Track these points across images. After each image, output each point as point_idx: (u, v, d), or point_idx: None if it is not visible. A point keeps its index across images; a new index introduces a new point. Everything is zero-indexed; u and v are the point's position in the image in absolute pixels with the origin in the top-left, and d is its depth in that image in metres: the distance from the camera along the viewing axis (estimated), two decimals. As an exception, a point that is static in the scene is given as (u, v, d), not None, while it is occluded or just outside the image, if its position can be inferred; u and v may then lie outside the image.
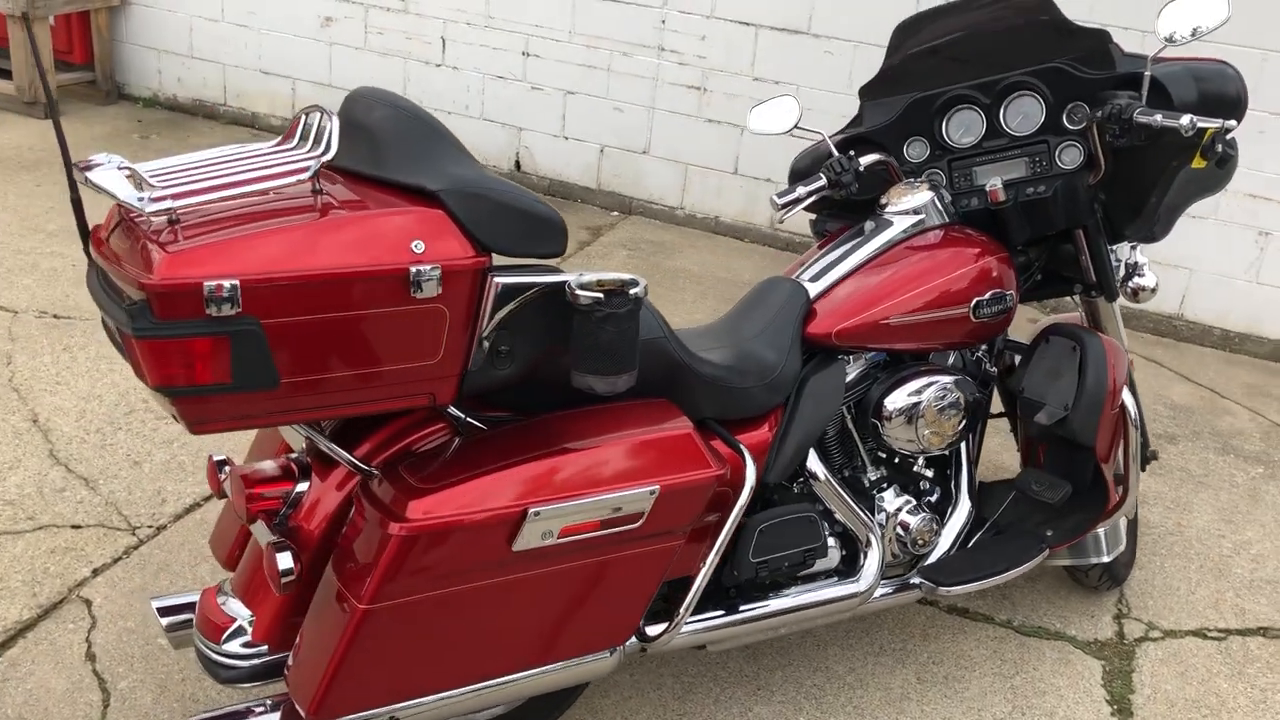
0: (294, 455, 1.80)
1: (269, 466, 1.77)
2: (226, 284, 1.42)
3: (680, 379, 1.89)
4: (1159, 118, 2.05)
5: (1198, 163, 2.10)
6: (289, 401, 1.50)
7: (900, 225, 2.27)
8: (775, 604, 2.07)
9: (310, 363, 1.49)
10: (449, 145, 1.64)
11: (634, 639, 1.89)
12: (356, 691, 1.59)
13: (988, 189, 2.33)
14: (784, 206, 2.31)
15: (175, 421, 1.57)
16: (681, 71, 4.77)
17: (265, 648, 1.73)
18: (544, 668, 1.76)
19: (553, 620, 1.73)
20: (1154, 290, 2.45)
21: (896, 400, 2.15)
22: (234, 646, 1.74)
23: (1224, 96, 2.19)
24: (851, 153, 2.36)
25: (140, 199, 1.46)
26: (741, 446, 1.94)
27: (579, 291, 1.60)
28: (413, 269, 1.51)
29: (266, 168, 1.53)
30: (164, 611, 1.93)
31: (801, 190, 2.31)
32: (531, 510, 1.61)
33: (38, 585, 2.34)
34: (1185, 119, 2.01)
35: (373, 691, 1.61)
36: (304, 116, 1.71)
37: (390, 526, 1.55)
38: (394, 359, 1.54)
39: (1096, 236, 2.37)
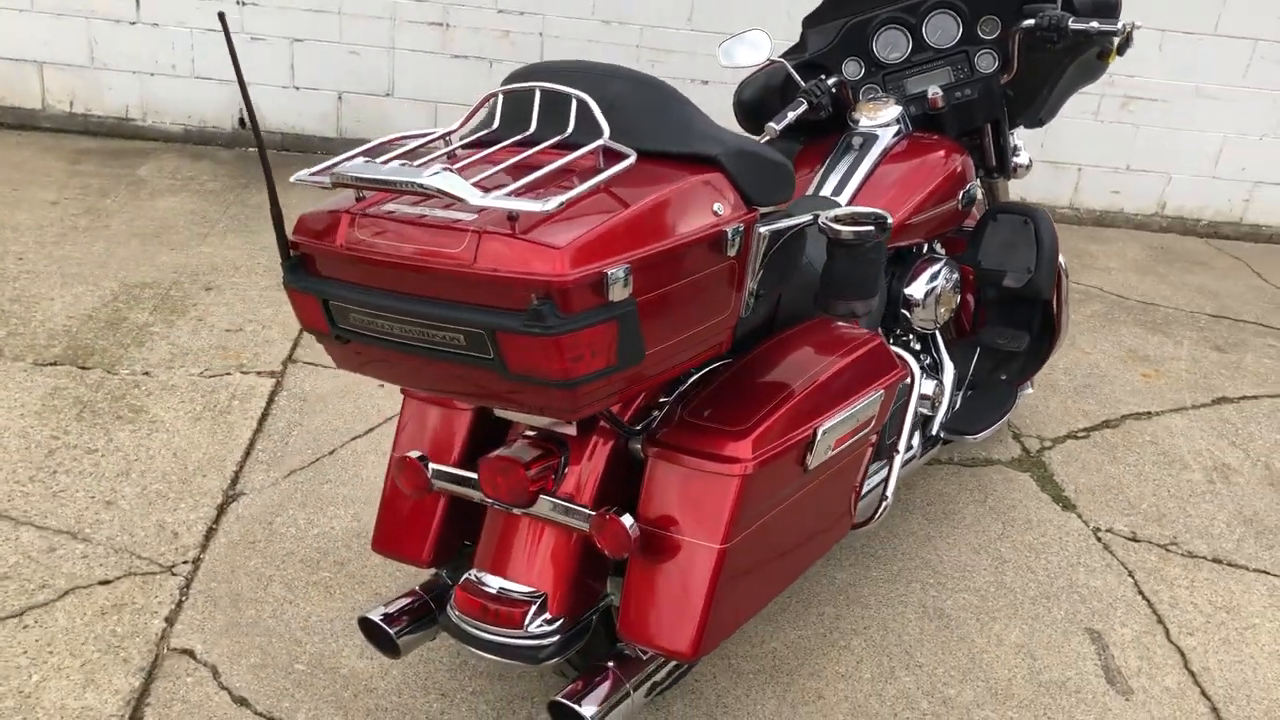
0: (531, 432, 1.82)
1: (521, 448, 1.78)
2: (622, 269, 1.46)
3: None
4: (1095, 24, 2.52)
5: (1111, 58, 2.62)
6: (641, 374, 1.57)
7: (885, 136, 2.59)
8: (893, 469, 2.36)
9: (662, 332, 1.57)
10: (694, 108, 1.73)
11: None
12: (719, 622, 1.70)
13: (929, 96, 2.71)
14: (780, 131, 2.54)
15: (529, 415, 1.64)
16: (421, 8, 4.69)
17: (562, 620, 1.77)
18: (811, 565, 1.97)
19: (815, 524, 1.92)
20: (1029, 167, 2.99)
21: (919, 289, 2.51)
22: (539, 626, 1.76)
23: (1110, 1, 2.71)
24: (821, 76, 2.63)
25: (483, 198, 1.44)
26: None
27: (840, 227, 1.77)
28: (727, 230, 1.62)
29: (549, 156, 1.56)
30: (389, 620, 1.88)
31: (791, 115, 2.56)
32: (820, 430, 1.79)
33: (119, 650, 2.10)
34: (1120, 23, 2.50)
35: (726, 619, 1.73)
36: (499, 98, 1.72)
37: (733, 468, 1.66)
38: (707, 317, 1.65)
39: (1002, 126, 2.84)
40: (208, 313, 3.39)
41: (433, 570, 2.03)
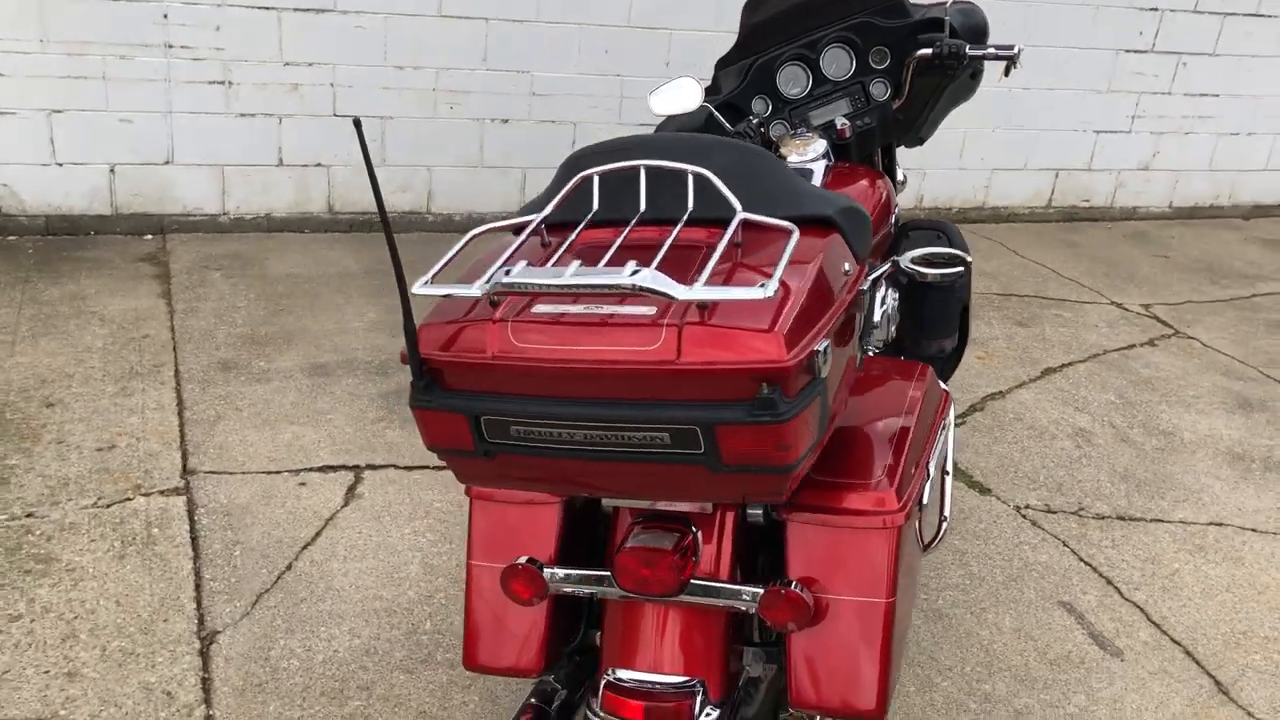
0: (658, 513, 1.76)
1: (656, 535, 1.72)
2: (824, 344, 1.46)
3: None
4: (991, 49, 2.73)
5: (998, 74, 2.86)
6: (822, 444, 1.58)
7: (819, 170, 2.69)
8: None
9: (834, 396, 1.58)
10: (789, 170, 1.74)
11: None
12: (893, 675, 1.73)
13: (838, 127, 2.84)
14: None
15: (743, 502, 1.64)
16: (198, 67, 4.32)
17: (724, 704, 1.73)
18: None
19: (916, 556, 1.98)
20: (904, 182, 3.20)
21: (875, 311, 2.63)
22: (707, 714, 1.71)
23: (981, 26, 2.95)
24: (750, 118, 2.70)
25: (689, 291, 1.41)
26: None
27: (926, 270, 1.84)
28: (861, 289, 1.66)
29: (691, 236, 1.57)
30: None
31: None
32: (930, 466, 1.85)
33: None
34: (1015, 48, 2.72)
35: (895, 670, 1.75)
36: (594, 179, 1.68)
37: (887, 520, 1.69)
38: (848, 374, 1.68)
39: (893, 149, 3.02)
40: (65, 433, 2.98)
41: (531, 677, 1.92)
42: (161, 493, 2.78)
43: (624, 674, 1.75)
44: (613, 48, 4.87)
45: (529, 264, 1.47)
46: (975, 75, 2.93)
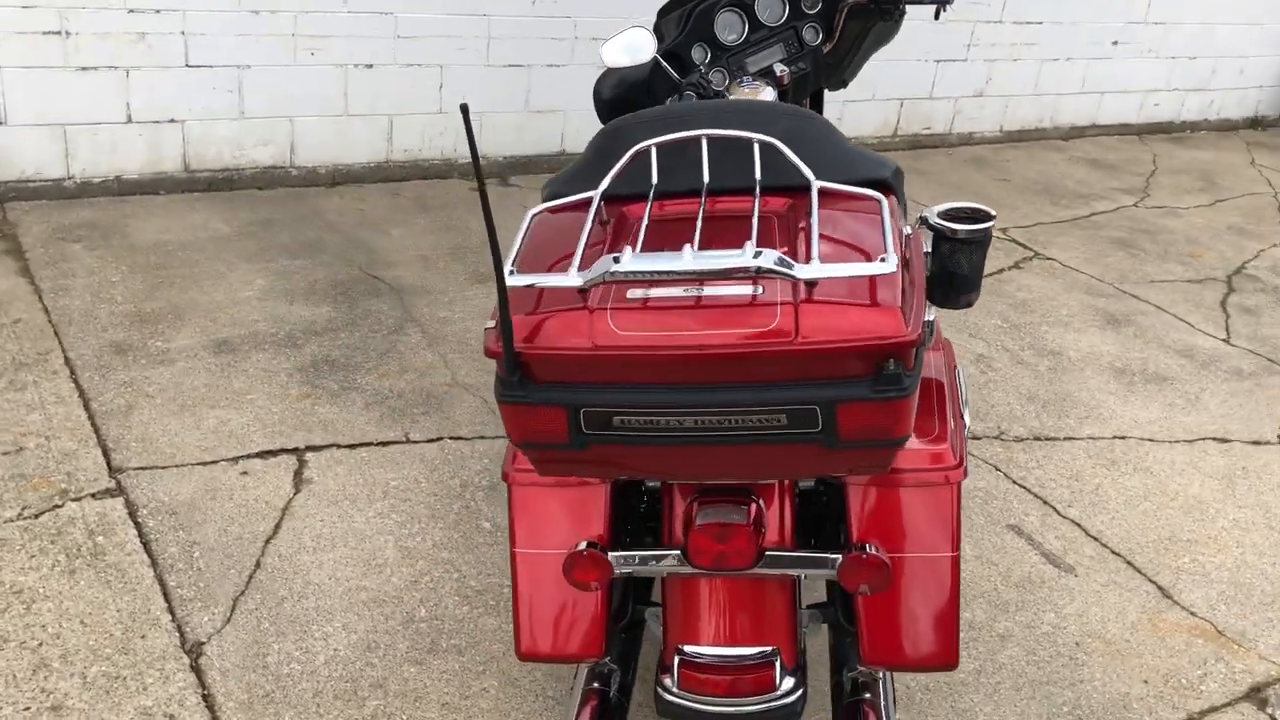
0: (713, 488, 1.74)
1: (725, 509, 1.71)
2: (932, 314, 1.47)
3: None
4: None
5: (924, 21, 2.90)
6: None
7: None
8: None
9: None
10: (840, 133, 1.73)
11: None
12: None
13: (777, 74, 2.83)
14: None
15: (851, 474, 1.67)
16: (30, 15, 3.89)
17: (797, 670, 1.75)
18: None
19: None
20: (824, 126, 3.24)
21: None
22: (787, 682, 1.72)
23: (909, -31, 2.98)
24: (699, 68, 2.65)
25: (810, 270, 1.39)
26: None
27: (956, 226, 1.86)
28: (926, 250, 1.68)
29: (770, 205, 1.55)
30: None
31: None
32: (966, 417, 1.91)
33: None
34: (953, -11, 2.77)
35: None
36: (652, 151, 1.63)
37: (949, 476, 1.73)
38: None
39: (822, 93, 3.04)
40: (-41, 438, 2.69)
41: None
42: (93, 496, 2.55)
43: (697, 649, 1.75)
44: (478, -14, 4.69)
45: (634, 254, 1.41)
46: (900, 18, 2.97)
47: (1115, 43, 6.78)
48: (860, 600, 1.75)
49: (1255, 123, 7.88)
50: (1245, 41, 7.38)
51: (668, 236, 1.55)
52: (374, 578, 2.41)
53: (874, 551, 1.68)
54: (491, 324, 1.57)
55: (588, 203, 1.62)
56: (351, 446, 2.87)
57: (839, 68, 3.04)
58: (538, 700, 2.13)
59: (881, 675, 1.84)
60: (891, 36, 3.10)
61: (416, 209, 4.56)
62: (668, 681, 1.76)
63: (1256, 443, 3.41)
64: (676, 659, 1.75)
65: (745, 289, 1.44)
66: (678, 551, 1.72)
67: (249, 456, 2.78)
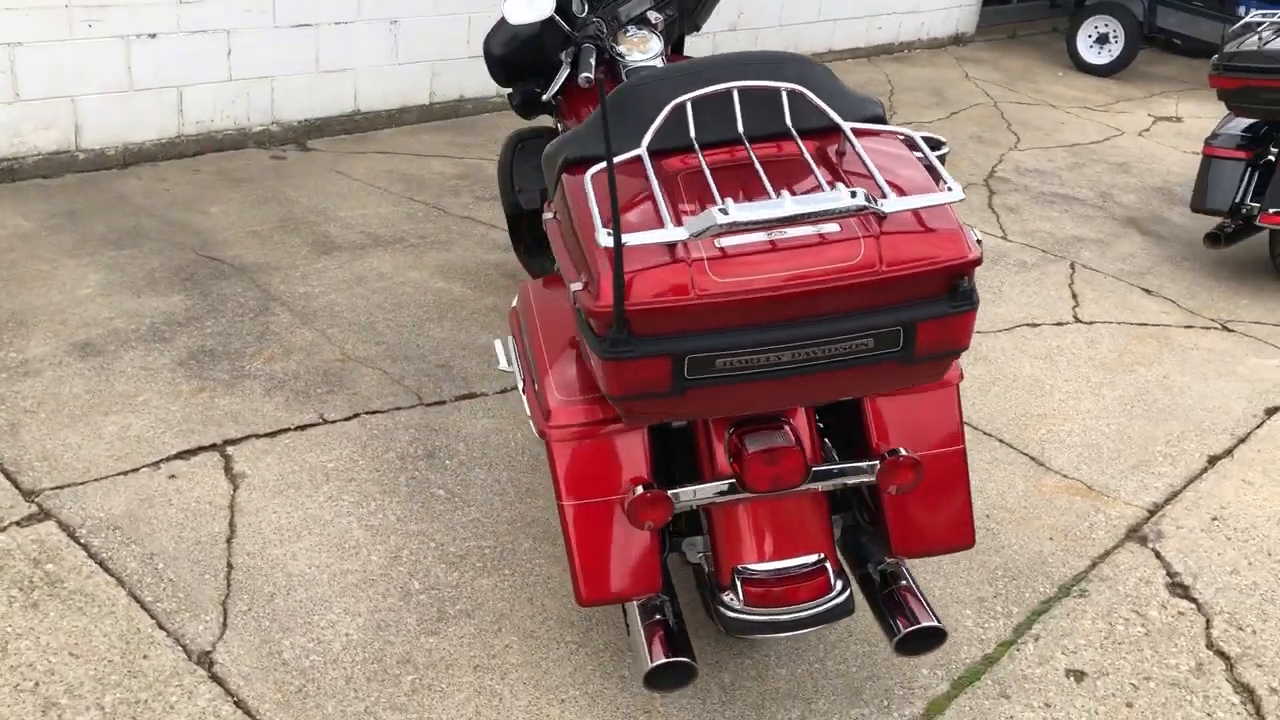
0: (746, 420, 1.87)
1: (768, 435, 1.84)
2: (977, 233, 1.66)
3: None
4: None
5: None
6: None
7: (662, 67, 2.79)
8: None
9: None
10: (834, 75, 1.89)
11: None
12: None
13: (652, 21, 2.93)
14: (591, 80, 2.64)
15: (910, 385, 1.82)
16: None
17: (842, 570, 1.93)
18: None
19: None
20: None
21: None
22: (837, 583, 1.90)
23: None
24: (592, 20, 2.72)
25: (889, 204, 1.56)
26: None
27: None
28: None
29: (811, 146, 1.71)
30: (676, 653, 1.84)
31: (591, 61, 2.66)
32: None
33: None
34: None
35: None
36: (689, 105, 1.75)
37: (952, 376, 1.94)
38: None
39: (684, 38, 3.17)
40: None
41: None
42: (18, 524, 2.36)
43: (754, 567, 1.89)
44: (258, -56, 4.45)
45: (735, 203, 1.52)
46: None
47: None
48: (886, 499, 1.95)
49: (957, 39, 8.68)
50: (947, -35, 8.09)
51: (736, 184, 1.66)
52: (352, 560, 2.39)
53: (906, 454, 1.87)
54: (578, 286, 1.63)
55: (629, 159, 1.70)
56: (271, 435, 2.78)
57: (695, 13, 3.18)
58: (562, 647, 2.21)
59: (903, 563, 2.05)
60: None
61: (225, 184, 4.33)
62: (729, 599, 1.90)
63: (1060, 324, 3.89)
64: (738, 579, 1.89)
65: (823, 228, 1.58)
66: (731, 480, 1.85)
67: (168, 459, 2.64)
